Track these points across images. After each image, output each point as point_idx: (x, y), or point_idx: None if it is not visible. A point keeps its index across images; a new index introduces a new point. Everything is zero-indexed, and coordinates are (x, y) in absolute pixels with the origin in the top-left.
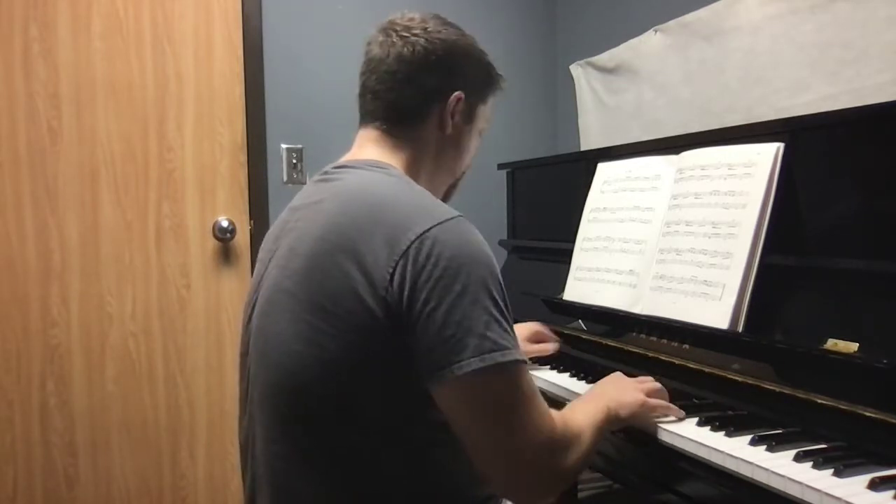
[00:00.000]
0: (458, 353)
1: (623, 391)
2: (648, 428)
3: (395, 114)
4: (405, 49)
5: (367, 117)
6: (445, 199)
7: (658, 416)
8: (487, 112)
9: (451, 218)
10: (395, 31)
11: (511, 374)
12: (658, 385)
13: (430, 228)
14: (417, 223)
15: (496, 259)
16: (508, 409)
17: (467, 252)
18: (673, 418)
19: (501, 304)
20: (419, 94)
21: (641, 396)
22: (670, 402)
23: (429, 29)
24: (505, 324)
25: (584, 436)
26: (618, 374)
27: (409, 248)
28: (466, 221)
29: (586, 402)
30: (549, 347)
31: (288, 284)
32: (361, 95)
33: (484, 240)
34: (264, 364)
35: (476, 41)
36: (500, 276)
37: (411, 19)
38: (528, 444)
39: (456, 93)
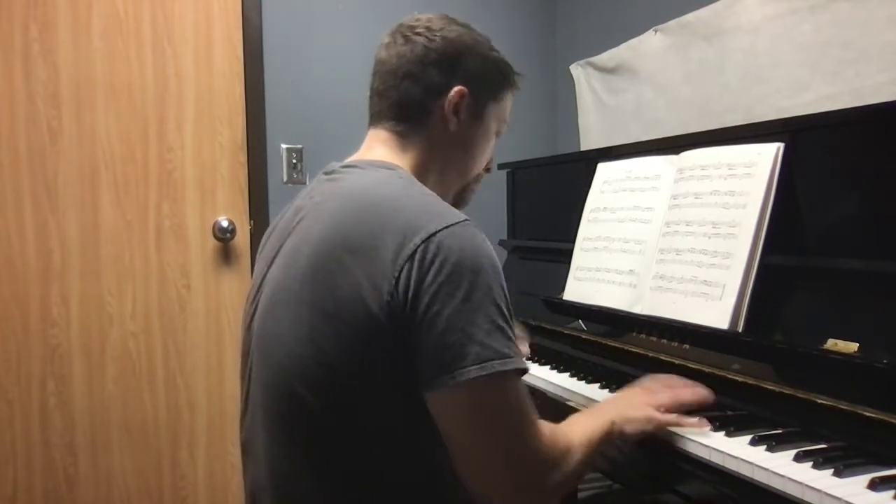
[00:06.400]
0: (459, 360)
1: (631, 406)
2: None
3: (399, 111)
4: (406, 48)
5: (374, 118)
6: (457, 203)
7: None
8: (501, 112)
9: (459, 222)
10: (400, 32)
11: (509, 384)
12: (682, 398)
13: (437, 232)
14: (424, 226)
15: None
16: (501, 421)
17: (473, 257)
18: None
19: (505, 311)
20: (421, 89)
21: (650, 412)
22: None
23: (432, 27)
24: (508, 331)
25: (573, 454)
26: (637, 387)
27: (415, 251)
28: (473, 225)
29: (589, 415)
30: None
31: (291, 285)
32: (370, 98)
33: (490, 245)
34: (266, 365)
35: (488, 39)
36: (504, 282)
37: (417, 19)
38: (521, 459)
39: (457, 87)
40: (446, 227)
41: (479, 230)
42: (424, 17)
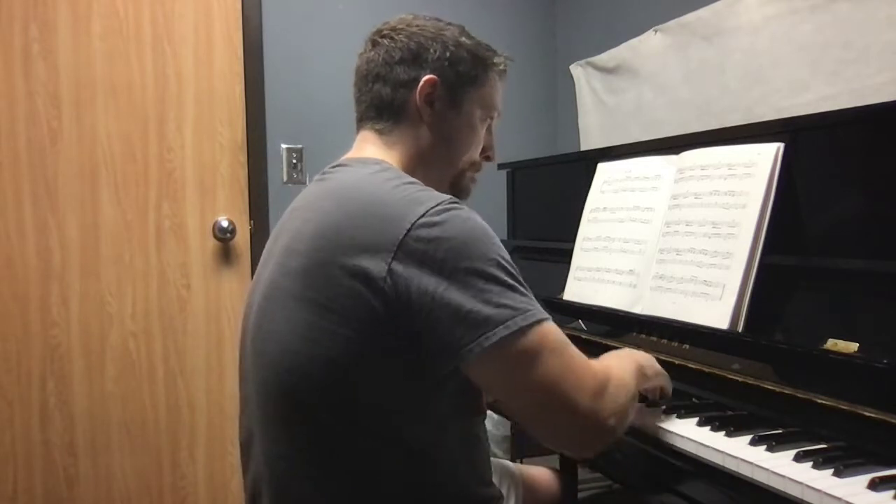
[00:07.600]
0: (481, 327)
1: (648, 359)
2: (648, 428)
3: (376, 112)
4: (373, 52)
5: (358, 122)
6: (455, 193)
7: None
8: (487, 96)
9: (442, 202)
10: (370, 39)
11: (538, 333)
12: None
13: (423, 215)
14: (410, 213)
15: None
16: (546, 367)
17: (464, 230)
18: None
19: (510, 269)
20: (390, 89)
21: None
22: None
23: (396, 27)
24: (518, 287)
25: (627, 378)
26: None
27: (404, 238)
28: (457, 202)
29: (616, 355)
30: None
31: (286, 283)
32: (354, 105)
33: (478, 216)
34: (262, 363)
35: (460, 28)
36: (500, 243)
37: (385, 23)
38: (578, 393)
39: (426, 77)
40: (432, 209)
41: (463, 205)
42: (393, 20)
